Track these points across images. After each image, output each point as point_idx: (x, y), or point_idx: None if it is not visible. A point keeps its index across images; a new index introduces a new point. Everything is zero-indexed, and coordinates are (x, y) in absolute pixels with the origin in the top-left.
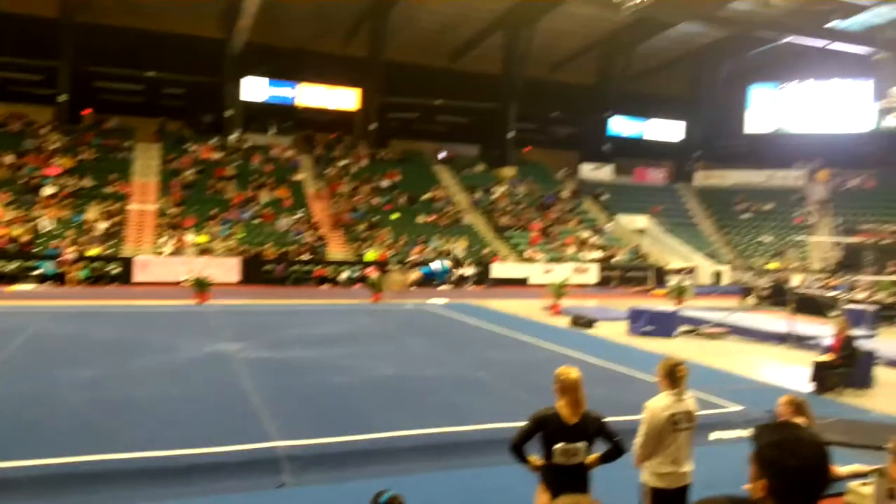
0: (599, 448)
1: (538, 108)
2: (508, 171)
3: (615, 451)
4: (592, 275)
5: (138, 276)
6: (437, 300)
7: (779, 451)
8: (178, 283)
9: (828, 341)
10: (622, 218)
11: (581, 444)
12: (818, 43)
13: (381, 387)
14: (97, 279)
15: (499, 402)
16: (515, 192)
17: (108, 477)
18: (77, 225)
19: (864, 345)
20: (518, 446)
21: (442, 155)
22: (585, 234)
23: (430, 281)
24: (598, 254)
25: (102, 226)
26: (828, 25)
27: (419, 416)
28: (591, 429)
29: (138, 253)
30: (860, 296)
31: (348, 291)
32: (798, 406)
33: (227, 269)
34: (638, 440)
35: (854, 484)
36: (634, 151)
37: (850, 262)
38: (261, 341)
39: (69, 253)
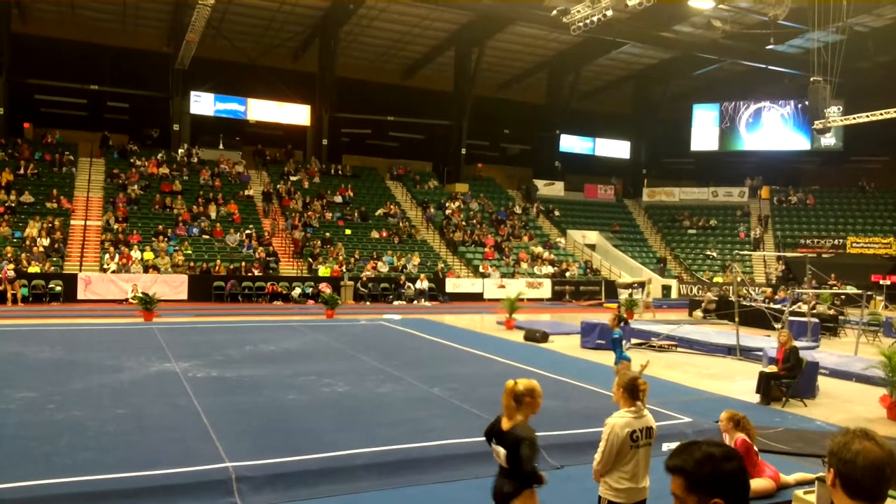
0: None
1: (490, 126)
2: (461, 187)
3: (513, 471)
4: (546, 289)
5: (82, 293)
6: (392, 316)
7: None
8: (123, 301)
9: (772, 353)
10: (573, 233)
11: (500, 449)
12: (758, 65)
13: (334, 404)
14: (38, 297)
15: (454, 418)
16: (468, 207)
17: (45, 502)
18: (17, 241)
19: (808, 355)
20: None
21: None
22: (538, 249)
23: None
24: (551, 269)
25: (44, 242)
26: (767, 48)
27: (373, 434)
28: (509, 440)
29: (82, 270)
30: (803, 308)
31: (301, 307)
32: (736, 421)
33: (174, 286)
34: (597, 455)
35: (799, 492)
36: (585, 168)
37: (791, 275)
38: (210, 359)
39: (8, 270)
